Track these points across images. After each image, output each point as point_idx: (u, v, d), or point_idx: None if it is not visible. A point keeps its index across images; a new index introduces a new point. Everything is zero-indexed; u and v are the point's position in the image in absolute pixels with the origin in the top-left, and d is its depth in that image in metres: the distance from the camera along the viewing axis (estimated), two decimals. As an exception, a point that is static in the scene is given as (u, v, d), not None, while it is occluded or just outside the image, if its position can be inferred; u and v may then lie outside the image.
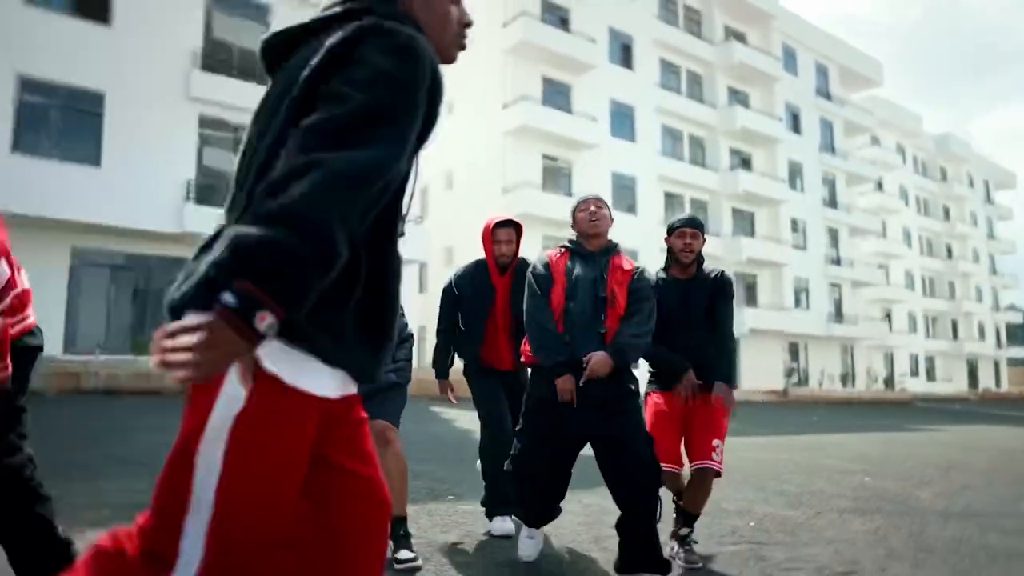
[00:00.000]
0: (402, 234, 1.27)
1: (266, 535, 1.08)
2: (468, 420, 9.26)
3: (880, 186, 43.57)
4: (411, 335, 3.44)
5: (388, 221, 1.23)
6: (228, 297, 0.93)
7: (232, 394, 1.05)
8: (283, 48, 1.30)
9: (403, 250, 1.30)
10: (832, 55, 37.53)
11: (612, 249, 3.09)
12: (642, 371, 3.34)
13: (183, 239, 15.13)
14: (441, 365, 3.94)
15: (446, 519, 4.04)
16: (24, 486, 2.10)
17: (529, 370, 3.22)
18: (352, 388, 1.24)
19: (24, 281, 2.25)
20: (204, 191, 16.10)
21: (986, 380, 51.60)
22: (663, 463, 2.98)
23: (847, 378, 35.99)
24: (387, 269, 1.23)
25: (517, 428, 3.15)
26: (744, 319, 28.70)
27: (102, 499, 4.09)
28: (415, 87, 1.14)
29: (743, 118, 30.98)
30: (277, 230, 0.95)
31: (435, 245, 22.61)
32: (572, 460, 3.06)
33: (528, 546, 3.20)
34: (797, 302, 33.16)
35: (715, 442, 3.24)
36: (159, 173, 15.25)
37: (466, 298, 3.87)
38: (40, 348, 2.29)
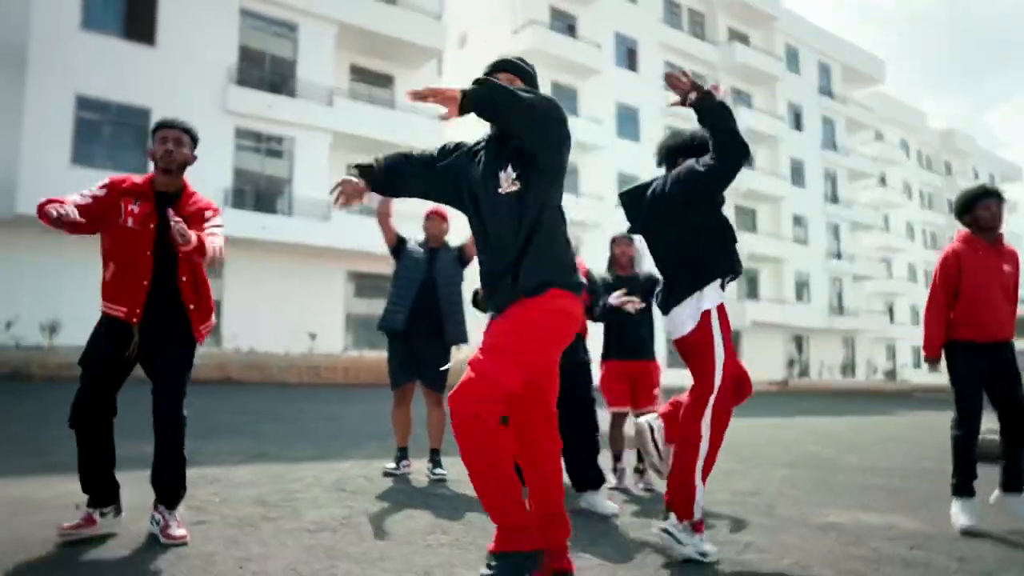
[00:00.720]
0: None
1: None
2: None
3: (883, 181, 44.55)
4: None
5: None
6: None
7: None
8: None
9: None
10: (834, 54, 38.52)
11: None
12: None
13: (222, 241, 16.59)
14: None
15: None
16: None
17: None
18: None
19: None
20: (239, 196, 17.57)
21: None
22: (616, 406, 4.41)
23: (847, 369, 37.14)
24: None
25: None
26: (746, 312, 29.95)
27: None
28: None
29: (746, 118, 32.10)
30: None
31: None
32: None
33: None
34: (799, 295, 34.33)
35: (656, 391, 4.62)
36: (200, 181, 16.48)
37: None
38: None
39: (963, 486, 3.79)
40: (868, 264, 38.96)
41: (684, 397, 3.08)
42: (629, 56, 29.82)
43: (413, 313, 4.71)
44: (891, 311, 43.50)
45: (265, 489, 4.09)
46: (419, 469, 4.86)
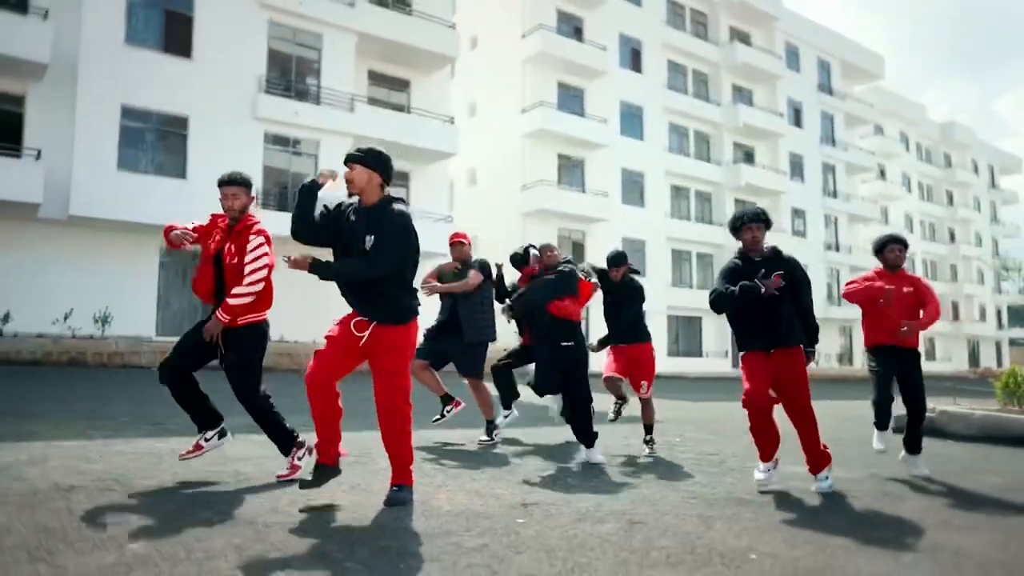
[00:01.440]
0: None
1: None
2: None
3: (883, 174, 45.61)
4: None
5: None
6: None
7: None
8: None
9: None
10: (834, 51, 39.54)
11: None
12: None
13: (254, 239, 17.99)
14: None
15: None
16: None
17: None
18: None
19: None
20: (268, 197, 18.96)
21: (987, 360, 53.61)
22: (613, 373, 5.77)
23: (844, 358, 38.42)
24: None
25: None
26: (744, 303, 31.16)
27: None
28: None
29: (746, 115, 33.27)
30: None
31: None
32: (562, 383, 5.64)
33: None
34: (796, 286, 35.53)
35: (643, 383, 5.95)
36: (233, 183, 18.06)
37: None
38: None
39: (879, 424, 5.33)
40: (865, 256, 40.07)
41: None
42: (633, 57, 30.97)
43: (442, 321, 6.09)
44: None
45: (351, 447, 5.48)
46: (470, 437, 6.26)
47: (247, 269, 4.07)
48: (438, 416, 6.06)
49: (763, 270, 4.40)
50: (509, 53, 27.90)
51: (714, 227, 32.25)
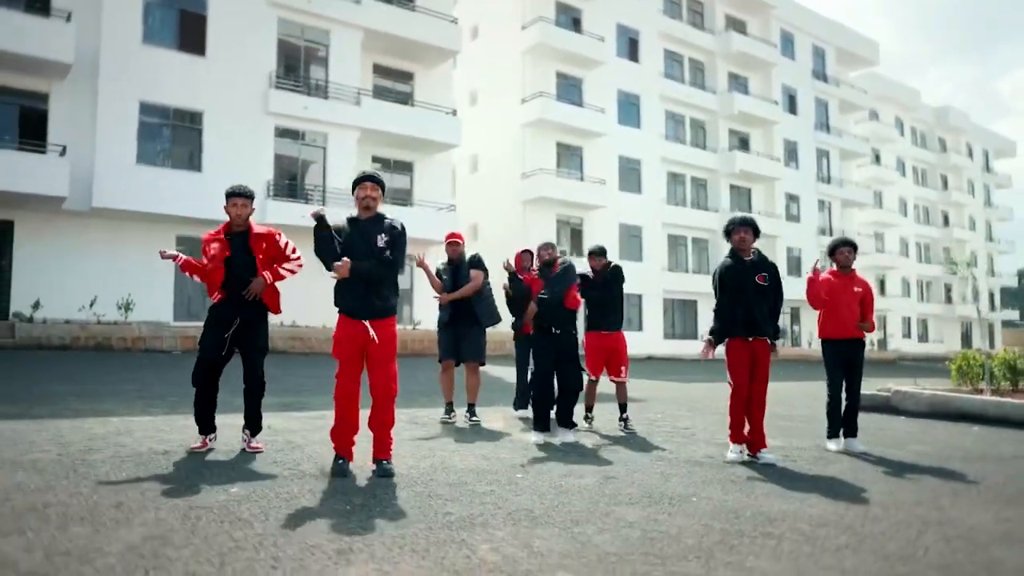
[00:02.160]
0: None
1: None
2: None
3: (878, 159, 46.35)
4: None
5: None
6: None
7: None
8: None
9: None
10: (829, 38, 40.11)
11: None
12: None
13: (266, 228, 18.92)
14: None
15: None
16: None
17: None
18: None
19: None
20: (279, 188, 19.82)
21: (980, 341, 54.58)
22: (594, 373, 6.66)
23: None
24: None
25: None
26: (738, 286, 32.07)
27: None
28: None
29: (741, 103, 33.98)
30: None
31: (462, 222, 26.18)
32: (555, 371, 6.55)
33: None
34: (789, 270, 36.45)
35: (622, 368, 6.88)
36: (245, 175, 18.88)
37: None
38: None
39: (831, 433, 6.12)
40: (859, 239, 40.93)
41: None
42: (631, 46, 31.64)
43: (454, 309, 6.94)
44: (882, 283, 45.59)
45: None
46: (459, 415, 7.19)
47: (288, 253, 4.96)
48: (446, 417, 6.89)
49: (758, 273, 5.44)
50: (509, 44, 28.62)
51: (709, 213, 33.11)
